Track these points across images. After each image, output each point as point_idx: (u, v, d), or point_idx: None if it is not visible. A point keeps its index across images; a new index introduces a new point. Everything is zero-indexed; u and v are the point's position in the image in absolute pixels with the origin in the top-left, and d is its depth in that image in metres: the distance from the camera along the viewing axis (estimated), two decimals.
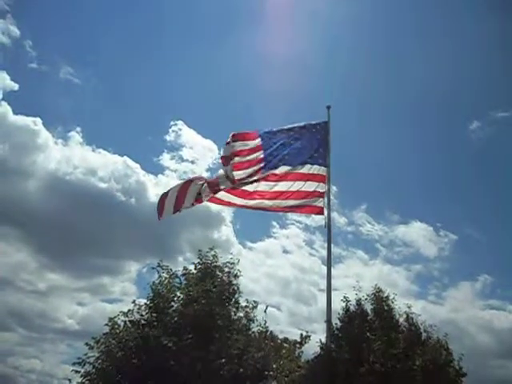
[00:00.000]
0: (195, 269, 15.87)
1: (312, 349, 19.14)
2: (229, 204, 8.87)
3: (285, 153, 9.06)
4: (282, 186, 8.87)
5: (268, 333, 15.70)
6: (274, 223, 49.20)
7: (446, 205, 58.99)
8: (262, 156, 8.85)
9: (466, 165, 61.39)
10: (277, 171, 8.83)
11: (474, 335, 38.20)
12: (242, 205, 8.78)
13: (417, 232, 51.45)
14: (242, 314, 15.41)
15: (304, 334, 21.86)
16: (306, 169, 8.96)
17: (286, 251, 51.25)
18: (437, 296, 45.86)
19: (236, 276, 15.83)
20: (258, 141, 8.89)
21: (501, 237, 55.73)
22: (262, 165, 8.77)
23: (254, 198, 8.73)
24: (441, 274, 50.62)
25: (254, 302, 15.72)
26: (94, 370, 14.12)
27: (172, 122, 55.24)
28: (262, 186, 8.75)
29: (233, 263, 15.98)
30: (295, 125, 9.45)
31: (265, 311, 16.01)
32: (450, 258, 51.75)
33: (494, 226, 56.15)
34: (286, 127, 9.34)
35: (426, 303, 39.13)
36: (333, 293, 8.29)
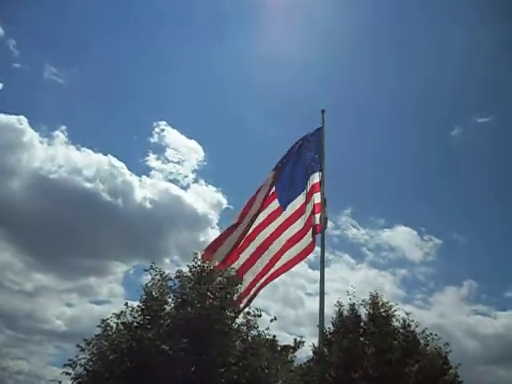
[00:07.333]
0: (190, 271, 15.65)
1: (303, 353, 19.04)
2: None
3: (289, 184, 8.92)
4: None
5: (266, 340, 15.24)
6: None
7: (430, 209, 59.62)
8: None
9: (449, 170, 62.31)
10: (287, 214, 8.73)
11: (461, 341, 38.50)
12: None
13: (401, 236, 51.95)
14: (241, 321, 14.94)
15: (298, 339, 21.65)
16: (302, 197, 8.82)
17: None
18: (423, 301, 46.15)
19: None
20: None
21: (485, 242, 56.44)
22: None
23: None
24: (426, 278, 51.10)
25: (257, 309, 15.11)
26: (85, 372, 13.84)
27: (155, 123, 55.42)
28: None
29: (233, 268, 15.71)
30: (292, 147, 9.30)
31: (271, 321, 15.20)
32: (435, 262, 52.23)
33: (478, 231, 56.86)
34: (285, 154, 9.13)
35: (412, 308, 39.46)
36: None
